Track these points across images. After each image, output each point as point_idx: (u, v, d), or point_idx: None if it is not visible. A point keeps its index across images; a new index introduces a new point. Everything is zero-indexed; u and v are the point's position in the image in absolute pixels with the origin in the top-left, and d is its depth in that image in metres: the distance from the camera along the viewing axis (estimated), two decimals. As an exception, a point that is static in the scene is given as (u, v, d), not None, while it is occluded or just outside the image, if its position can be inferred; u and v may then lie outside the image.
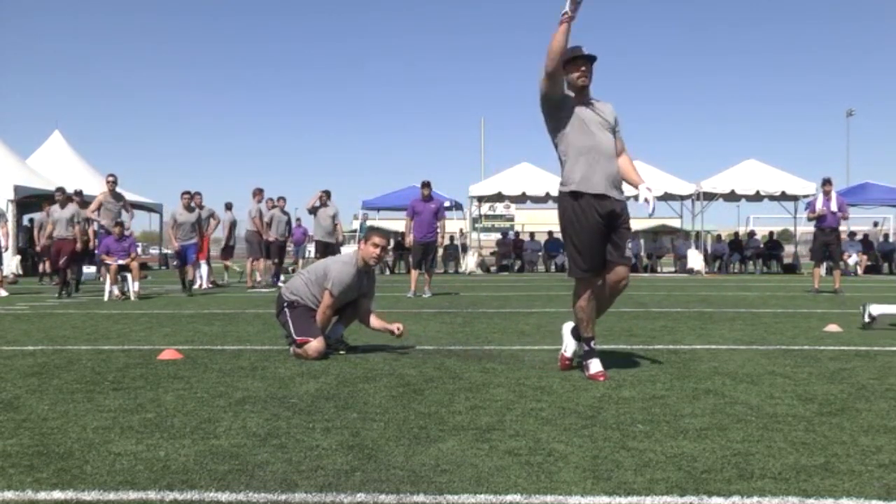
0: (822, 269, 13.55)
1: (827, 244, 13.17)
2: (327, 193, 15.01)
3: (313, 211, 14.77)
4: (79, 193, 14.94)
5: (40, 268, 18.40)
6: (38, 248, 15.74)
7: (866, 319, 7.29)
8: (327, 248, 14.62)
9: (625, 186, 4.92)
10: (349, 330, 6.09)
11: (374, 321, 5.92)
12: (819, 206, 13.13)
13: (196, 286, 14.72)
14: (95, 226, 14.52)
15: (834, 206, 13.07)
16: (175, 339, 6.69)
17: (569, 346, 5.04)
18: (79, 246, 12.88)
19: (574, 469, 2.81)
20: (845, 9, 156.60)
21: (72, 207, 13.06)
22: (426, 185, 12.87)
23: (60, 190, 13.55)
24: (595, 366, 4.73)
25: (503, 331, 7.30)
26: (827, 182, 13.28)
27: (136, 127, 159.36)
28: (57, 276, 15.12)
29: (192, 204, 13.86)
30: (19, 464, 2.89)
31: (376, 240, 5.76)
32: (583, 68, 4.79)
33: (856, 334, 6.91)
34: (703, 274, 22.10)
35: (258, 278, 15.73)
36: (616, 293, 4.98)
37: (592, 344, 4.87)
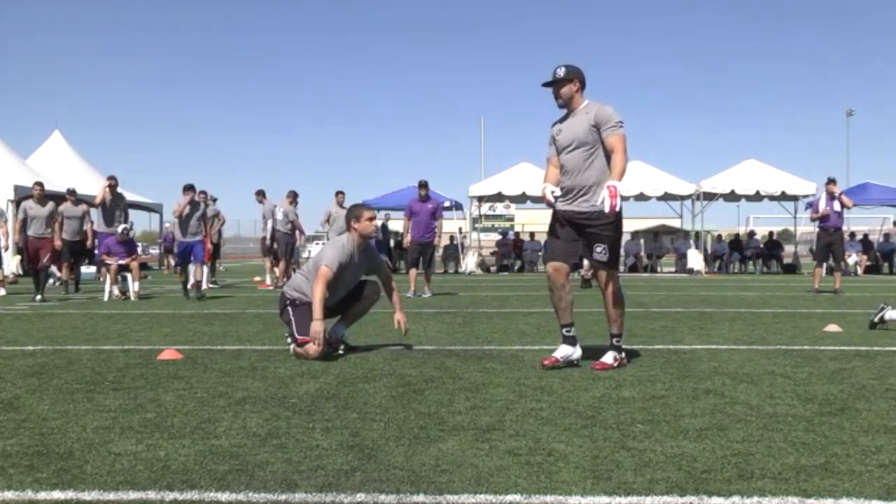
0: (823, 270, 13.53)
1: (830, 244, 13.12)
2: (343, 193, 15.00)
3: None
4: (72, 192, 14.51)
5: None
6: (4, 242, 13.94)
7: (876, 320, 7.25)
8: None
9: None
10: (349, 330, 6.09)
11: (395, 296, 6.18)
12: (822, 206, 13.02)
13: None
14: (95, 225, 14.40)
15: (837, 206, 13.01)
16: (175, 339, 6.69)
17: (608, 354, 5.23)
18: (57, 243, 12.24)
19: (574, 469, 2.81)
20: (845, 9, 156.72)
21: (51, 205, 12.42)
22: (423, 185, 12.86)
23: (39, 185, 12.64)
24: (556, 351, 5.17)
25: (503, 331, 7.30)
26: (832, 181, 13.12)
27: (136, 127, 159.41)
28: (56, 278, 15.00)
29: (197, 198, 12.85)
30: (19, 464, 2.89)
31: (367, 213, 5.89)
32: (553, 94, 5.17)
33: (856, 334, 6.90)
34: (703, 274, 22.11)
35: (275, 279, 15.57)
36: (605, 295, 5.28)
37: (563, 332, 5.20)
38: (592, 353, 5.36)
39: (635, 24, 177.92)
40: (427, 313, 9.24)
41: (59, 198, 13.82)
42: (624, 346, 5.26)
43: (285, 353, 5.69)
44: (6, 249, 13.67)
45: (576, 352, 5.18)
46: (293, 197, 15.58)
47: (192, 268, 15.19)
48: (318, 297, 5.52)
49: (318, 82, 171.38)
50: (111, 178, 13.55)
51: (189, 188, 12.53)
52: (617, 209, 4.83)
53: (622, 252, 24.86)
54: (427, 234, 12.76)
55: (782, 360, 5.36)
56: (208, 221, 13.63)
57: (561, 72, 5.09)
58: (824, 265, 13.51)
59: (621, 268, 15.59)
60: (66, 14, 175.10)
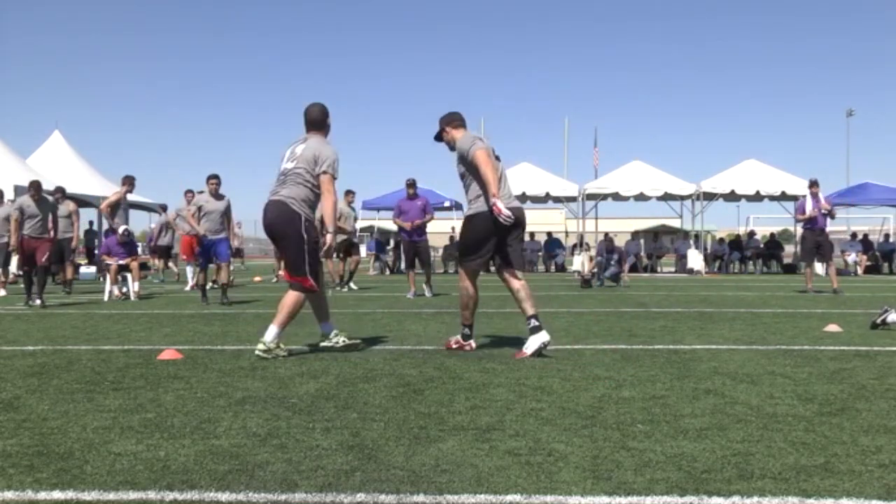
0: (820, 269, 13.66)
1: (819, 244, 13.41)
2: (353, 193, 14.87)
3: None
4: (60, 190, 14.13)
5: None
6: (13, 245, 12.73)
7: (878, 321, 7.24)
8: (350, 249, 14.57)
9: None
10: (352, 329, 6.08)
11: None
12: (809, 208, 13.37)
13: (188, 287, 14.52)
14: (95, 225, 14.34)
15: (825, 204, 13.32)
16: (175, 339, 6.69)
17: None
18: (52, 235, 11.37)
19: (574, 469, 2.81)
20: (846, 9, 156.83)
21: (51, 204, 11.58)
22: (411, 184, 12.80)
23: (34, 185, 11.46)
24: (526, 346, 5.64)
25: (503, 331, 7.29)
26: (814, 183, 13.52)
27: (136, 127, 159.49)
28: (56, 278, 14.89)
29: (221, 191, 11.37)
30: (19, 464, 2.89)
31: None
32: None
33: (856, 334, 6.90)
34: (703, 274, 22.10)
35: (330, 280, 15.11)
36: None
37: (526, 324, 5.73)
38: (596, 354, 5.36)
39: (635, 25, 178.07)
40: (427, 313, 9.24)
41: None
42: (466, 334, 5.94)
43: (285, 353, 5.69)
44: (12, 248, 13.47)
45: (538, 339, 5.48)
46: (353, 196, 15.00)
47: (189, 270, 15.18)
48: (332, 210, 5.69)
49: (318, 83, 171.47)
50: (131, 179, 13.25)
51: (211, 178, 11.26)
52: (510, 219, 5.51)
53: (624, 252, 24.86)
54: (418, 232, 12.72)
55: (782, 360, 5.35)
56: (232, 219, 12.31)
57: (437, 127, 6.00)
58: (818, 265, 13.68)
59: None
60: (66, 15, 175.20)
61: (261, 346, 5.51)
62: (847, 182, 35.71)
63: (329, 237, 5.72)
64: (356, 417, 3.65)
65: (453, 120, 5.95)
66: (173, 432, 3.36)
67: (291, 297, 5.64)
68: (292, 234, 5.60)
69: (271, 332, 5.55)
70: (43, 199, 11.44)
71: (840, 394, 4.18)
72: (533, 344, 5.47)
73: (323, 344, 5.88)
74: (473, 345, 5.92)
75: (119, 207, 13.16)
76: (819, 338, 6.68)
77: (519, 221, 5.67)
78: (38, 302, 10.77)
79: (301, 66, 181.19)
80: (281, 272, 14.69)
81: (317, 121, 5.88)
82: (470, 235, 5.82)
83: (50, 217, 11.42)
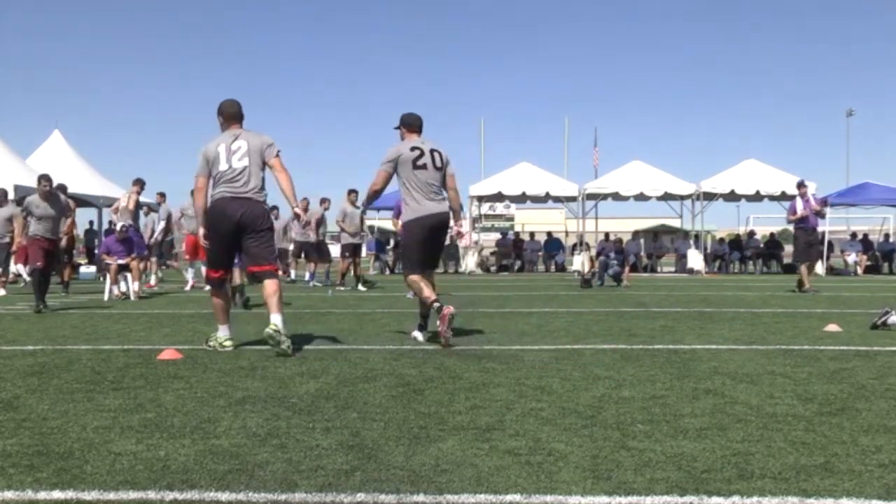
0: (820, 269, 13.80)
1: (811, 244, 13.58)
2: (356, 192, 14.80)
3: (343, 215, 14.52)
4: (61, 188, 14.02)
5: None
6: (16, 246, 12.07)
7: (878, 322, 7.23)
8: (356, 250, 14.55)
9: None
10: (350, 331, 6.08)
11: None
12: (800, 208, 13.57)
13: (188, 287, 14.49)
14: (95, 225, 14.38)
15: (815, 205, 13.56)
16: (175, 339, 6.69)
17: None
18: (63, 243, 11.09)
19: (574, 469, 2.81)
20: (846, 9, 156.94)
21: (63, 201, 10.97)
22: None
23: (45, 178, 10.38)
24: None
25: (503, 331, 7.29)
26: (802, 184, 13.88)
27: (136, 127, 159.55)
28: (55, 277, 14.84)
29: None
30: (19, 464, 2.89)
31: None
32: None
33: (856, 334, 6.90)
34: (703, 274, 22.10)
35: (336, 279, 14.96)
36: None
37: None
38: (596, 354, 5.35)
39: (635, 25, 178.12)
40: (427, 313, 9.23)
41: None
42: (437, 306, 6.12)
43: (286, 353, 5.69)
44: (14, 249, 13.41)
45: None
46: (356, 195, 14.77)
47: (191, 271, 15.13)
48: (292, 184, 5.99)
49: (318, 83, 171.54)
50: (141, 181, 13.34)
51: None
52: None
53: (628, 253, 24.88)
54: None
55: (782, 360, 5.36)
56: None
57: (416, 122, 6.62)
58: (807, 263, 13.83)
59: (625, 268, 15.83)
60: (65, 15, 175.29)
61: (273, 327, 5.64)
62: (847, 182, 35.66)
63: (298, 211, 6.06)
64: (356, 417, 3.65)
65: (405, 123, 6.61)
66: (173, 432, 3.36)
67: (272, 284, 5.89)
68: (267, 228, 5.97)
69: (278, 320, 5.72)
70: (54, 195, 10.42)
71: (840, 394, 4.18)
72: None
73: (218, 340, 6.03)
74: (451, 307, 6.12)
75: (139, 208, 13.32)
76: (819, 338, 6.68)
77: (443, 225, 6.45)
78: (42, 308, 9.89)
79: (302, 66, 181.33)
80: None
81: (238, 113, 6.19)
82: (406, 247, 6.51)
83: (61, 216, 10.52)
